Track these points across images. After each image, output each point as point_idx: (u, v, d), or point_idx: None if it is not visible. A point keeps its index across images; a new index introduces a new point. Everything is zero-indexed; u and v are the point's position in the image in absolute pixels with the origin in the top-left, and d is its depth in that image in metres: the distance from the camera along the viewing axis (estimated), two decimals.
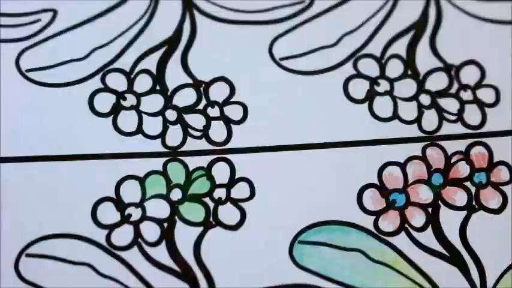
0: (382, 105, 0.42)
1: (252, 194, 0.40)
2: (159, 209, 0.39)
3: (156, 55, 0.42)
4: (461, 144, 0.42)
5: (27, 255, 0.38)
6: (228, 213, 0.40)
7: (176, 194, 0.40)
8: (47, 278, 0.38)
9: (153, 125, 0.41)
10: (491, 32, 0.44)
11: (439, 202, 0.40)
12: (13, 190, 0.39)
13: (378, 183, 0.41)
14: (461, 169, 0.41)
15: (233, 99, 0.42)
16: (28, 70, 0.42)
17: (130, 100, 0.41)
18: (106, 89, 0.42)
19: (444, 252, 0.40)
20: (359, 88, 0.42)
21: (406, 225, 0.40)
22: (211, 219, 0.39)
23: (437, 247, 0.40)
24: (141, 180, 0.40)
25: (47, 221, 0.39)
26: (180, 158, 0.40)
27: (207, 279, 0.38)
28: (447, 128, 0.42)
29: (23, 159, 0.40)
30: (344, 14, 0.44)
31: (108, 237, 0.39)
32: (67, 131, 0.40)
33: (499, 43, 0.44)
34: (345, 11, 0.44)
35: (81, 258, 0.38)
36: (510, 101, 0.43)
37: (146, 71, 0.42)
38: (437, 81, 0.43)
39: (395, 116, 0.42)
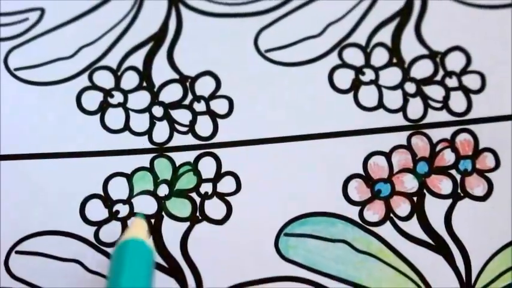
0: (368, 95, 0.42)
1: (238, 187, 0.40)
2: (146, 205, 0.40)
3: (143, 51, 0.43)
4: (446, 132, 0.42)
5: (17, 252, 0.39)
6: (214, 208, 0.40)
7: (163, 190, 0.40)
8: (36, 275, 0.39)
9: (140, 122, 0.41)
10: (477, 17, 0.43)
11: (424, 191, 0.40)
12: (1, 188, 0.40)
13: (363, 173, 0.41)
14: (447, 157, 0.41)
15: (219, 93, 0.42)
16: (16, 69, 0.42)
17: (118, 97, 0.42)
18: (93, 86, 0.42)
19: (429, 241, 0.40)
20: (344, 78, 0.42)
21: (391, 215, 0.40)
22: (197, 214, 0.40)
23: (423, 236, 0.40)
24: (129, 177, 0.40)
25: (35, 218, 0.39)
26: (166, 154, 0.41)
27: (194, 274, 0.39)
28: (432, 116, 0.42)
29: (11, 157, 0.40)
30: (328, 4, 0.43)
31: (96, 234, 0.39)
32: (55, 129, 0.41)
33: (484, 28, 0.43)
34: (329, 1, 0.44)
35: (69, 255, 0.39)
36: (496, 87, 0.42)
37: (133, 68, 0.42)
38: (422, 69, 0.43)
39: (380, 105, 0.42)
